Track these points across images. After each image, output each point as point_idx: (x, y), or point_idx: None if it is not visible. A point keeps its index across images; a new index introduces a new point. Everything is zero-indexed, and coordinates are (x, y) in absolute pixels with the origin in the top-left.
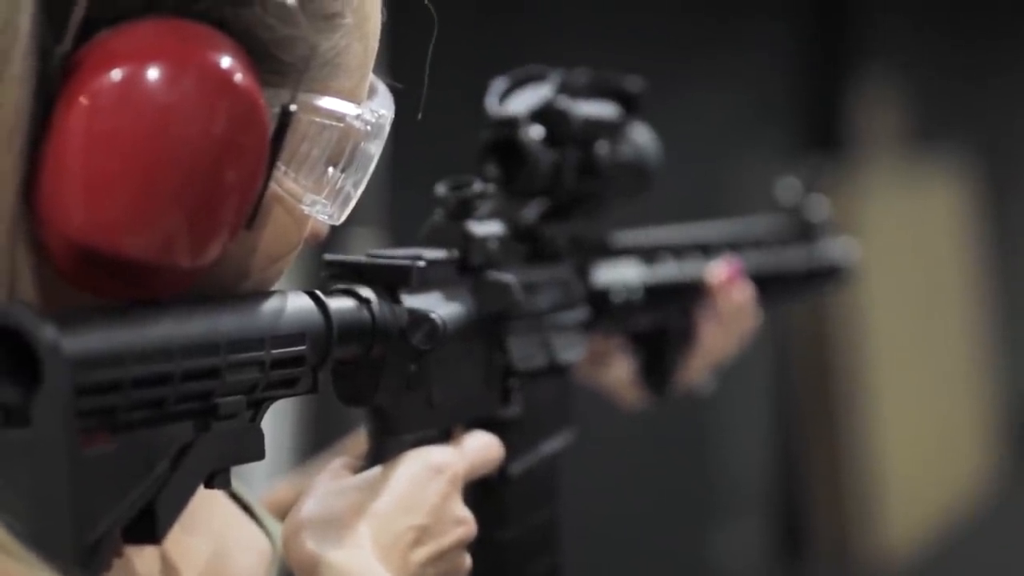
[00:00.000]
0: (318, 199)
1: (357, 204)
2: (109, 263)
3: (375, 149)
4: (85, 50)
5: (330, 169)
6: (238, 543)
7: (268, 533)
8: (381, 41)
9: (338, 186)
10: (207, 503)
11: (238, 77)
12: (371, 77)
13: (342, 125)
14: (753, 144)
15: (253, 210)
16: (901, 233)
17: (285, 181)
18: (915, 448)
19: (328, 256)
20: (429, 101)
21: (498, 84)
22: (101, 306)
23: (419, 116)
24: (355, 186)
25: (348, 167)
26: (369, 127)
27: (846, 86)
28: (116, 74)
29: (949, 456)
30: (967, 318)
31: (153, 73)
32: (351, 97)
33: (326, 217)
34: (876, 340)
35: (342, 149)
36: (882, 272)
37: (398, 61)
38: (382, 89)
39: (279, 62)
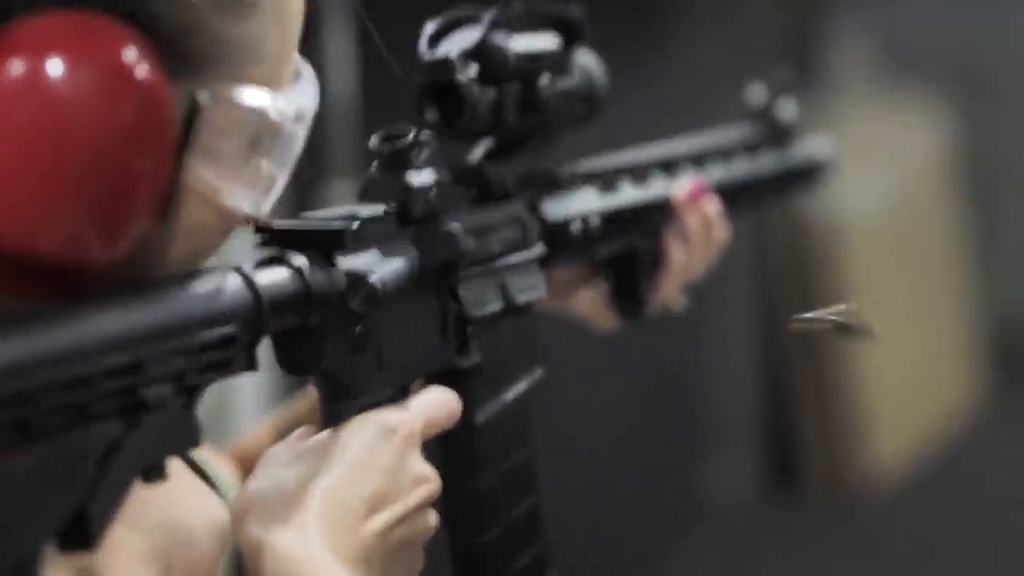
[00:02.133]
0: (237, 189)
1: (333, 155)
2: (18, 261)
3: (297, 137)
4: None
5: (252, 155)
6: (193, 518)
7: (214, 484)
8: None
9: (259, 175)
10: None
11: (139, 68)
12: (295, 60)
13: (258, 116)
14: (729, 82)
15: (165, 202)
16: (879, 164)
17: (201, 172)
18: (901, 373)
19: (259, 222)
20: (401, 47)
21: (429, 27)
22: (4, 312)
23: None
24: (277, 174)
25: (268, 156)
26: (287, 117)
27: (820, 22)
28: (13, 68)
29: (935, 380)
30: (948, 243)
31: (51, 66)
32: (270, 83)
33: (248, 206)
34: (858, 267)
35: (260, 138)
36: (861, 202)
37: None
38: (306, 74)
39: (188, 52)
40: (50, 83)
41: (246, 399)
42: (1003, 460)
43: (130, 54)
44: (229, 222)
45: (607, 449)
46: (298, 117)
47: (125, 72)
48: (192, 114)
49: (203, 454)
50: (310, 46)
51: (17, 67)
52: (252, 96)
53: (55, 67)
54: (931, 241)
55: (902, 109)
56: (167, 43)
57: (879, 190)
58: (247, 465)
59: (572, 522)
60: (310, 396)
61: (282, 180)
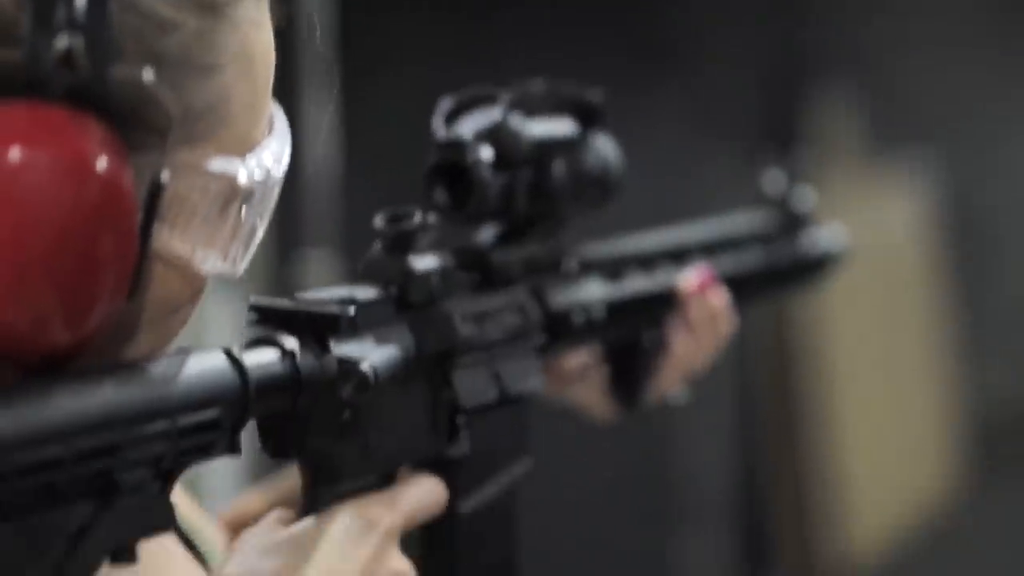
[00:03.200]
0: (211, 252)
1: (311, 225)
2: None
3: (271, 192)
4: None
5: (227, 215)
6: None
7: (199, 552)
8: (337, 53)
9: (234, 236)
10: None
11: (95, 154)
12: (268, 113)
13: (226, 182)
14: (710, 149)
15: (133, 277)
16: (861, 238)
17: (171, 243)
18: (879, 456)
19: (253, 300)
20: (383, 119)
21: (445, 104)
22: None
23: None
24: (252, 233)
25: (241, 217)
26: (257, 182)
27: (805, 93)
28: None
29: (913, 463)
30: (930, 324)
31: (9, 156)
32: (243, 139)
33: (225, 269)
34: (837, 347)
35: (231, 203)
36: (843, 278)
37: (351, 78)
38: (280, 127)
39: (148, 123)
40: (7, 172)
41: (220, 468)
42: (981, 546)
43: (86, 141)
44: (198, 287)
45: (584, 528)
46: (269, 174)
47: (81, 159)
48: (154, 187)
49: (192, 520)
50: (290, 112)
51: None
52: (218, 163)
53: (12, 157)
54: (912, 323)
55: (885, 178)
56: (125, 117)
57: (860, 263)
58: (237, 533)
59: None
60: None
61: (259, 235)
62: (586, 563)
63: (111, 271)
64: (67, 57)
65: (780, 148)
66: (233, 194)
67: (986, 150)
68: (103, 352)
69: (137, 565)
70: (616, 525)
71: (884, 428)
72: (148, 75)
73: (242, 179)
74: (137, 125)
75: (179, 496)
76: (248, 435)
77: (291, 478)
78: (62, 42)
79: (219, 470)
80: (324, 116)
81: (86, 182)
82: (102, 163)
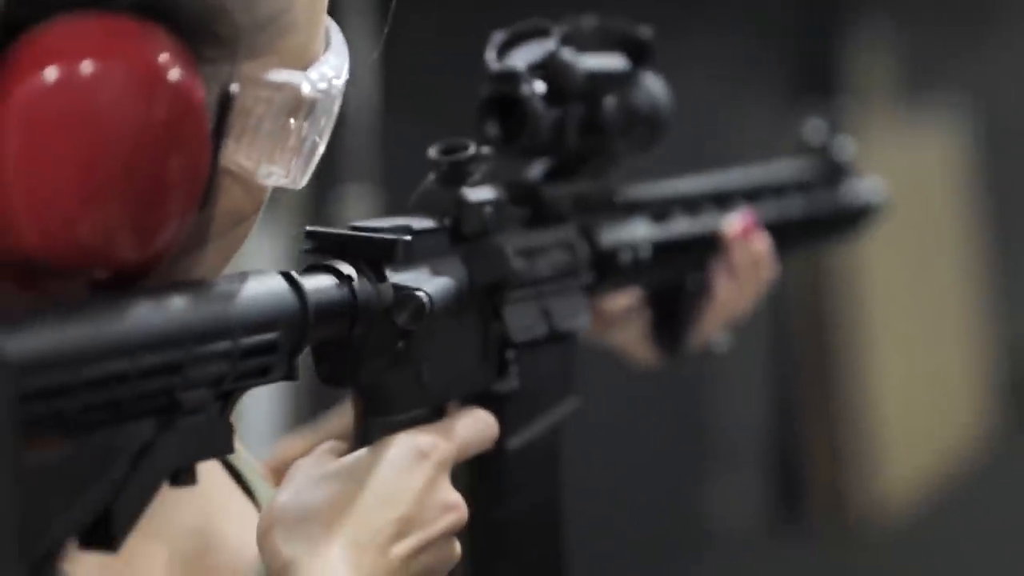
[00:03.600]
0: (274, 168)
1: (349, 161)
2: (61, 267)
3: (333, 106)
4: (9, 53)
5: (288, 129)
6: (227, 524)
7: (257, 501)
8: None
9: (296, 148)
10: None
11: (169, 66)
12: (325, 27)
13: (290, 92)
14: (748, 95)
15: (204, 191)
16: (896, 184)
17: (236, 156)
18: (912, 401)
19: (309, 228)
20: (424, 53)
21: (497, 37)
22: (47, 304)
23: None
24: (313, 148)
25: (304, 130)
26: (320, 92)
27: (841, 37)
28: (49, 72)
29: (946, 409)
30: (963, 270)
31: (86, 68)
32: (303, 52)
33: (287, 182)
34: (872, 292)
35: (295, 113)
36: (877, 226)
37: (389, 14)
38: (336, 40)
39: (216, 35)
40: (85, 85)
41: (259, 409)
42: (1012, 492)
43: (160, 53)
44: (260, 200)
45: (616, 473)
46: (331, 85)
47: (156, 71)
48: (224, 99)
49: (246, 461)
50: None
51: (53, 70)
52: (281, 75)
53: (90, 69)
54: (945, 268)
55: (920, 125)
56: (194, 28)
57: (895, 212)
58: (280, 477)
59: (579, 545)
60: (346, 412)
61: (320, 149)
62: (621, 505)
63: (184, 184)
64: None
65: (817, 97)
66: (296, 107)
67: (1021, 97)
68: (174, 263)
69: (195, 488)
70: (650, 468)
71: (917, 375)
72: None
73: (305, 90)
74: (204, 37)
75: None
76: (280, 393)
77: (331, 424)
78: None
79: (252, 422)
80: (363, 52)
81: (160, 93)
82: (175, 74)
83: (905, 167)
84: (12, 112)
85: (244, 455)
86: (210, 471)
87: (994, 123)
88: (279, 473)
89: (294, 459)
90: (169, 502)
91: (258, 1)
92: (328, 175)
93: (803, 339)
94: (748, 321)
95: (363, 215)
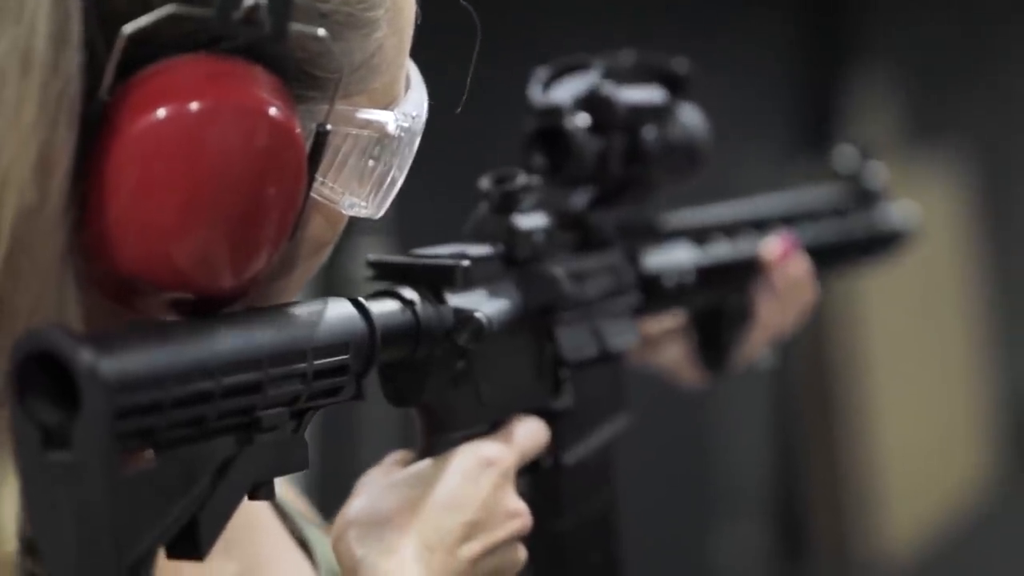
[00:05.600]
0: (356, 200)
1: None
2: (160, 293)
3: (413, 142)
4: (123, 92)
5: (371, 164)
6: (278, 569)
7: (313, 558)
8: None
9: (378, 182)
10: (249, 528)
11: (272, 110)
12: (408, 66)
13: (378, 130)
14: (750, 143)
15: (295, 222)
16: None
17: (323, 188)
18: (915, 448)
19: (371, 256)
20: (435, 108)
21: (541, 73)
22: (140, 325)
23: (458, 108)
24: (394, 181)
25: (388, 165)
26: (404, 131)
27: (843, 85)
28: (157, 116)
29: (949, 456)
30: (966, 317)
31: (191, 113)
32: (389, 91)
33: (367, 213)
34: (875, 339)
35: (380, 149)
36: (880, 271)
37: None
38: (415, 79)
39: (313, 78)
40: (193, 122)
41: None
42: (1015, 537)
43: (262, 93)
44: (339, 229)
45: (623, 513)
46: (413, 122)
47: (258, 109)
48: (319, 137)
49: (305, 516)
50: None
51: (164, 108)
52: (370, 114)
53: (197, 107)
54: (948, 316)
55: (922, 169)
56: (293, 72)
57: (897, 262)
58: None
59: None
60: None
61: (399, 183)
62: (625, 552)
63: (279, 215)
64: (252, 14)
65: (816, 144)
66: (380, 143)
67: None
68: (261, 289)
69: (248, 535)
70: (654, 515)
71: (920, 422)
72: (322, 32)
73: (391, 128)
74: (302, 78)
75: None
76: (315, 443)
77: None
78: (249, 0)
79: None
80: None
81: (262, 131)
82: (275, 112)
83: None
84: (127, 145)
85: (295, 501)
86: (262, 520)
87: (996, 171)
88: None
89: None
90: (220, 550)
91: (355, 47)
92: (340, 276)
93: (805, 386)
94: (749, 370)
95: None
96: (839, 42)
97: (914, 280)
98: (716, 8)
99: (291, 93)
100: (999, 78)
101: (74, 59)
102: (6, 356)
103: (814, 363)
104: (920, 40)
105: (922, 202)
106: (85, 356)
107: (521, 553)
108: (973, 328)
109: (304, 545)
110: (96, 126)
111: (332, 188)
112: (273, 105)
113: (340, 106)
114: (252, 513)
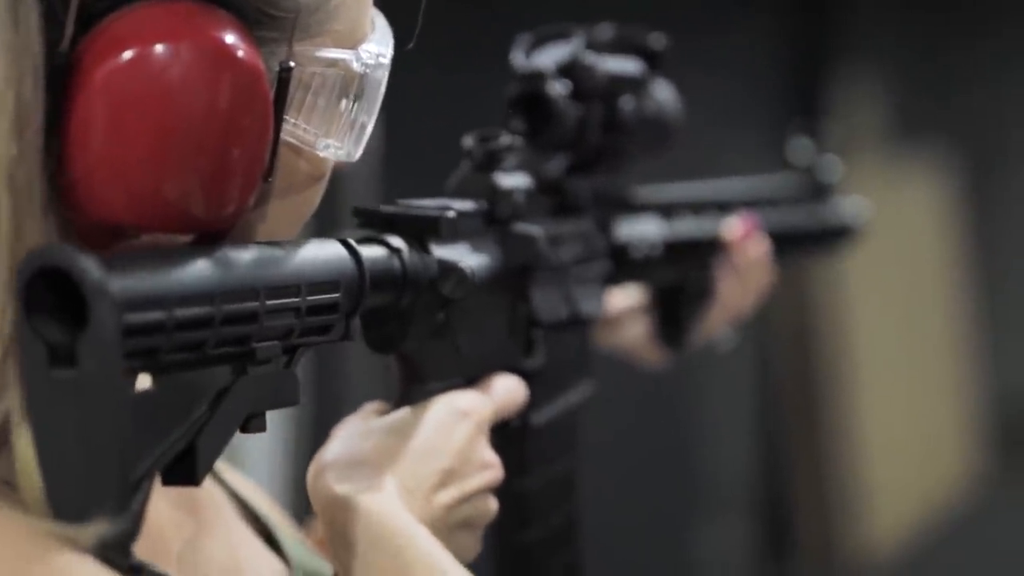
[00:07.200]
0: (330, 141)
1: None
2: (144, 232)
3: (380, 84)
4: (86, 42)
5: (341, 105)
6: (251, 566)
7: (288, 560)
8: None
9: (349, 124)
10: (224, 528)
11: (236, 49)
12: (371, 13)
13: (343, 71)
14: (736, 140)
15: (268, 164)
16: (883, 230)
17: (295, 130)
18: (899, 446)
19: (358, 205)
20: (424, 104)
21: (524, 39)
22: (145, 250)
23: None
24: (366, 120)
25: (356, 105)
26: (369, 68)
27: (828, 84)
28: (120, 60)
29: (933, 454)
30: (950, 316)
31: (151, 55)
32: (352, 35)
33: (342, 155)
34: (859, 337)
35: (347, 90)
36: (865, 269)
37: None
38: (380, 23)
39: (272, 18)
40: (157, 64)
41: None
42: (999, 537)
43: (222, 33)
44: (320, 173)
45: (603, 512)
46: (378, 64)
47: (220, 49)
48: (281, 80)
49: (277, 521)
50: None
51: (128, 53)
52: (336, 53)
53: (160, 50)
54: (933, 314)
55: (907, 164)
56: (252, 12)
57: (883, 257)
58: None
59: None
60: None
61: (370, 127)
62: (607, 549)
63: (249, 152)
64: None
65: (806, 122)
66: (347, 84)
67: (1008, 139)
68: (248, 228)
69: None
70: (638, 513)
71: (904, 422)
72: None
73: (355, 66)
74: (261, 19)
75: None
76: (282, 417)
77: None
78: None
79: (255, 447)
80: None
81: (225, 70)
82: (237, 52)
83: (892, 215)
84: (95, 93)
85: (272, 511)
86: (237, 526)
87: (980, 169)
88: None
89: None
90: (195, 559)
91: None
92: (329, 224)
93: (790, 384)
94: (734, 367)
95: None
96: (824, 40)
97: (898, 278)
98: (703, 6)
99: (251, 32)
100: (984, 76)
101: (32, 13)
102: None
103: (799, 362)
104: (905, 38)
105: (907, 200)
106: (94, 271)
107: (493, 504)
108: (957, 326)
109: (277, 549)
110: (63, 78)
111: (306, 130)
112: (233, 44)
113: (303, 46)
114: (223, 518)
